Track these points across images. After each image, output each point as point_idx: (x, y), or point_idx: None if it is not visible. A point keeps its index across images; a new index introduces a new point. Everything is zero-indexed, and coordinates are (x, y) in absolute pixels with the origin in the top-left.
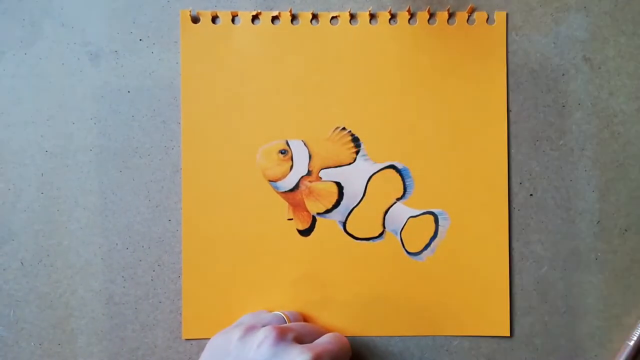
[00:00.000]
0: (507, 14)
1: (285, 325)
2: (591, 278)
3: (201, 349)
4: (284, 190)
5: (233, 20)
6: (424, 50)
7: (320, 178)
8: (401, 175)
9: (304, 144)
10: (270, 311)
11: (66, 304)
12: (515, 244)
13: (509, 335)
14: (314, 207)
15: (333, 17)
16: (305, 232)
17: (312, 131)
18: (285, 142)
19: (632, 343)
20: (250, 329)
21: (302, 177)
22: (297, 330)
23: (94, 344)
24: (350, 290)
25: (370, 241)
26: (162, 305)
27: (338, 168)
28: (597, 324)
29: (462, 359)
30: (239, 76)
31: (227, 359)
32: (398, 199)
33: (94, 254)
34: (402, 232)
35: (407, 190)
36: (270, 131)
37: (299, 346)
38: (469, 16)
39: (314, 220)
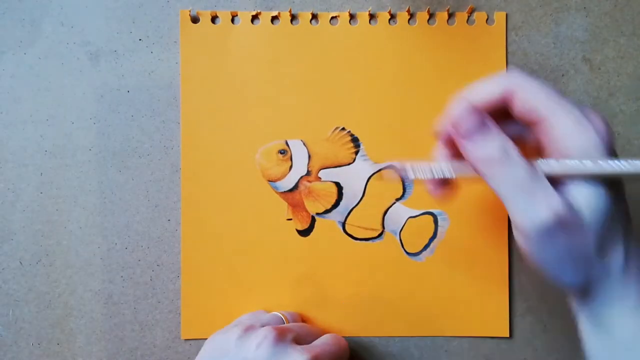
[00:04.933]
0: (506, 15)
1: (284, 325)
2: None
3: (200, 348)
4: (283, 191)
5: (233, 20)
6: (423, 51)
7: (320, 178)
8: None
9: (304, 144)
10: (269, 311)
11: (65, 304)
12: (514, 244)
13: (508, 336)
14: (313, 207)
15: (333, 17)
16: (305, 232)
17: (311, 131)
18: (284, 142)
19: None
20: (249, 329)
21: (301, 177)
22: (296, 331)
23: (92, 344)
24: (349, 290)
25: (370, 241)
26: (161, 305)
27: (337, 168)
28: None
29: None
30: (238, 76)
31: (225, 358)
32: (397, 199)
33: (93, 254)
34: (402, 233)
35: (407, 190)
36: (270, 131)
37: (298, 347)
38: (468, 16)
39: (313, 220)
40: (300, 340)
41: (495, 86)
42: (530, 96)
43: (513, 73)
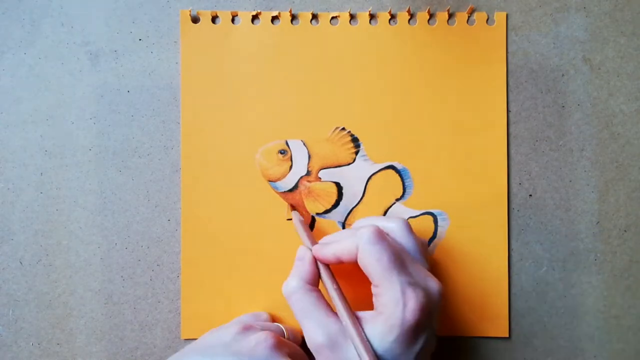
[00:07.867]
0: (507, 15)
1: (284, 339)
2: (590, 278)
3: None
4: (283, 191)
5: (233, 20)
6: (423, 51)
7: (320, 178)
8: (400, 175)
9: (304, 144)
10: (270, 313)
11: (65, 304)
12: (514, 245)
13: (507, 336)
14: (313, 207)
15: (333, 17)
16: None
17: (311, 131)
18: (284, 142)
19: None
20: (250, 328)
21: (301, 177)
22: (293, 349)
23: (92, 344)
24: (349, 290)
25: None
26: (161, 305)
27: (337, 168)
28: (596, 325)
29: None
30: (238, 76)
31: (220, 347)
32: (397, 200)
33: (93, 254)
34: None
35: (407, 190)
36: (270, 131)
37: None
38: (468, 17)
39: (313, 220)
40: (294, 358)
41: (347, 245)
42: (367, 262)
43: (362, 235)
